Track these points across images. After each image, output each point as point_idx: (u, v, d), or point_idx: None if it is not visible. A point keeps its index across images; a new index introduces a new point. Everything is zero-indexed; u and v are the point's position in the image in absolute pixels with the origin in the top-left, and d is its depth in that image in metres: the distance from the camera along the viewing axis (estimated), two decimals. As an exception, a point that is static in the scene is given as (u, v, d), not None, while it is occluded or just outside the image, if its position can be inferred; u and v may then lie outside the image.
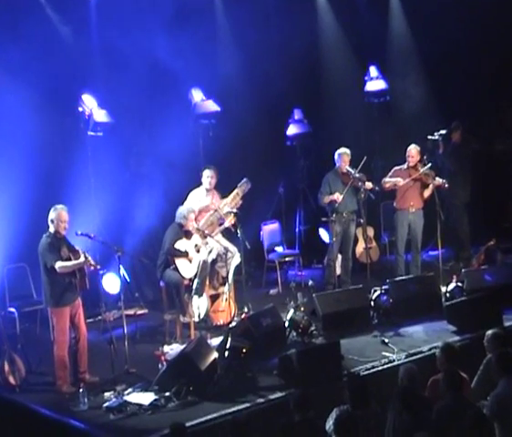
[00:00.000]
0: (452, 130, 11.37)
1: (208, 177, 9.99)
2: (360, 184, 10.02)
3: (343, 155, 10.32)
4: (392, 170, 10.60)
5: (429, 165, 10.37)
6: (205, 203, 9.99)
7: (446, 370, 6.46)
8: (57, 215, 8.03)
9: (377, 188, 10.17)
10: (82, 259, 8.00)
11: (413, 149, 10.46)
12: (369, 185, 10.07)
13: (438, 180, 10.39)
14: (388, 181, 10.50)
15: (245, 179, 10.09)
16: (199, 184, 10.10)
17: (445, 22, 11.70)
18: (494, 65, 11.92)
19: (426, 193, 10.45)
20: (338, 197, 10.13)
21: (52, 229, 8.06)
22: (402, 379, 6.52)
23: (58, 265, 7.91)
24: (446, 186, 10.43)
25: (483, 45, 11.71)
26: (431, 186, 10.35)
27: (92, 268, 8.19)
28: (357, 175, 10.02)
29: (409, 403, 6.02)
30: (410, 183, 10.39)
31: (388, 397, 6.38)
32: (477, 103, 11.96)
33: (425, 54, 12.09)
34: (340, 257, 10.52)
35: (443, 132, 11.09)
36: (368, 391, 6.35)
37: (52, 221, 8.05)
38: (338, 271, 10.48)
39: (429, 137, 11.09)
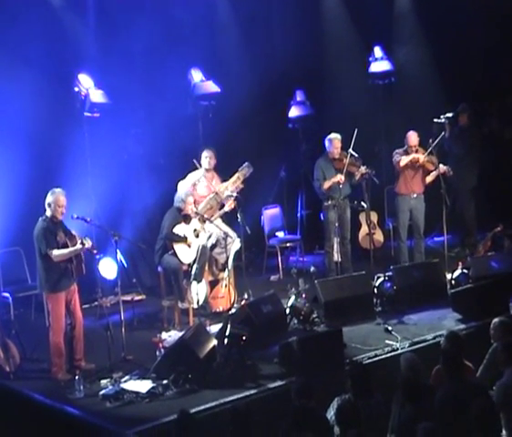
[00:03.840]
0: (459, 113, 11.23)
1: (206, 157, 9.91)
2: (354, 169, 9.95)
3: (333, 140, 10.17)
4: (394, 154, 10.39)
5: (428, 151, 10.16)
6: (204, 183, 9.85)
7: (444, 353, 6.34)
8: (55, 199, 7.88)
9: (373, 172, 9.95)
10: (79, 245, 7.86)
11: (412, 136, 10.26)
12: (363, 169, 9.92)
13: (442, 168, 10.21)
14: (406, 158, 10.21)
15: (247, 163, 10.00)
16: (199, 167, 9.97)
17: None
18: (506, 46, 11.64)
19: (429, 179, 10.32)
20: (341, 178, 9.98)
21: (49, 213, 7.92)
22: (402, 369, 6.42)
23: (55, 253, 7.78)
24: (451, 173, 10.28)
25: (493, 24, 11.49)
26: (434, 172, 10.18)
27: (93, 251, 8.07)
28: (356, 156, 9.90)
29: (411, 394, 5.94)
30: (412, 169, 10.23)
31: (391, 386, 6.31)
32: (486, 86, 11.75)
33: (432, 33, 11.90)
34: (336, 243, 10.35)
35: (449, 115, 10.93)
36: (371, 379, 6.25)
37: (49, 205, 7.90)
38: (336, 258, 10.35)
39: (435, 119, 10.93)
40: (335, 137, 10.20)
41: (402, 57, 11.90)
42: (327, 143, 10.25)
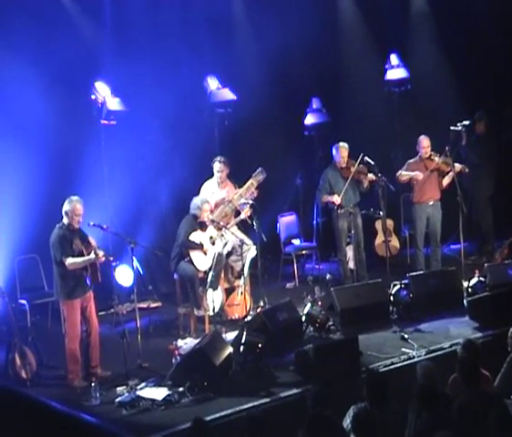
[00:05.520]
0: (475, 121, 11.14)
1: (217, 171, 9.89)
2: (362, 177, 9.95)
3: (340, 149, 10.18)
4: (406, 164, 10.38)
5: (443, 154, 10.13)
6: (220, 196, 9.87)
7: (461, 362, 6.30)
8: (72, 207, 7.91)
9: (384, 179, 9.93)
10: (92, 255, 7.87)
11: (424, 140, 10.25)
12: (370, 176, 9.89)
13: (458, 166, 10.21)
14: (405, 174, 10.28)
15: (260, 169, 9.98)
16: (213, 174, 9.99)
17: (469, 6, 11.43)
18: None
19: (446, 181, 10.26)
20: (337, 199, 10.00)
21: (65, 221, 7.95)
22: (419, 377, 6.40)
23: (69, 261, 7.82)
24: (467, 170, 10.27)
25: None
26: (451, 173, 10.13)
27: (110, 258, 8.15)
28: (373, 163, 9.90)
29: (427, 402, 5.88)
30: (427, 175, 10.18)
31: (407, 394, 6.24)
32: (504, 93, 11.67)
33: (449, 41, 11.84)
34: (350, 252, 10.32)
35: (466, 123, 10.84)
36: (387, 387, 6.19)
37: (66, 213, 7.94)
38: (351, 265, 10.30)
39: (452, 127, 10.86)
40: (342, 145, 10.20)
41: (418, 65, 11.83)
42: (334, 152, 10.26)
